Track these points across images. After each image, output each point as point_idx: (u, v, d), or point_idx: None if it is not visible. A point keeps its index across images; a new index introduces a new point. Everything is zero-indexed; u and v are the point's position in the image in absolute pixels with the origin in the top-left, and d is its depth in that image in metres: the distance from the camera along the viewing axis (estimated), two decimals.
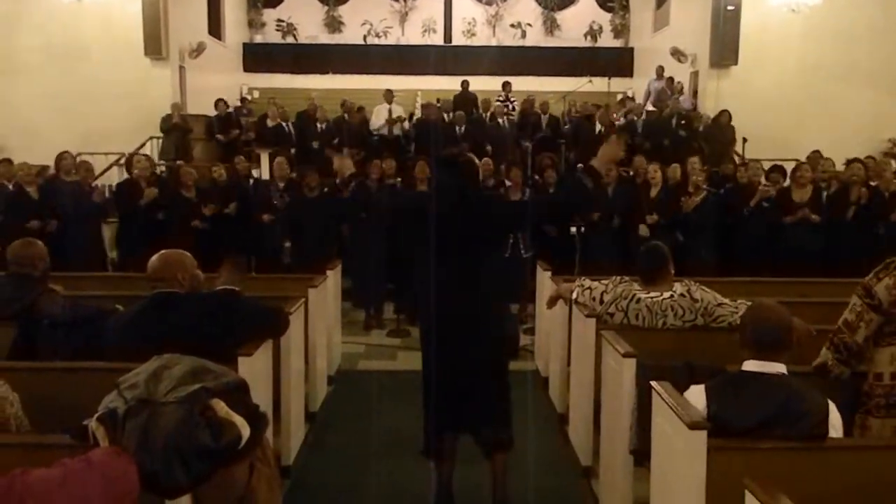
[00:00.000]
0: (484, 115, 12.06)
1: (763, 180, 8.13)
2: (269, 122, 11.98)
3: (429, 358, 3.72)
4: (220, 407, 1.94)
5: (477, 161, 3.90)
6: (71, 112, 12.15)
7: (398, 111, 12.03)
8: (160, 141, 12.19)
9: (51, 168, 8.46)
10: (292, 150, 10.98)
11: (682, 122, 11.42)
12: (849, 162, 8.08)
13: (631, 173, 8.74)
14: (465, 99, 13.00)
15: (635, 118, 11.85)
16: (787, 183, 8.11)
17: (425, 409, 3.74)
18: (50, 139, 11.11)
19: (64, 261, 6.52)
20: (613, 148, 3.84)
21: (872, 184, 7.90)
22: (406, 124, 11.94)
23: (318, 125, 11.62)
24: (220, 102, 12.62)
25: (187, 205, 7.70)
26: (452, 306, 3.60)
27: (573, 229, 7.76)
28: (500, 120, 11.58)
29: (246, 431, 1.97)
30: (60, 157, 8.18)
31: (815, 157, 9.12)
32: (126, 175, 9.85)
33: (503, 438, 3.71)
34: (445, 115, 11.87)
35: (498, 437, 3.69)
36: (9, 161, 8.32)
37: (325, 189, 7.98)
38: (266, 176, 9.58)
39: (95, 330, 3.52)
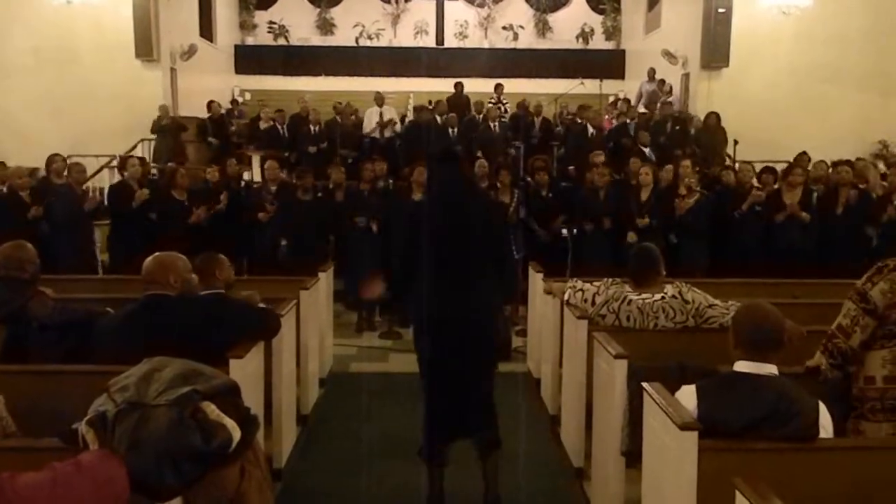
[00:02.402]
0: (477, 117, 12.05)
1: (755, 182, 8.15)
2: (262, 125, 11.96)
3: (425, 362, 3.73)
4: (211, 409, 1.94)
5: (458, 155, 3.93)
6: (62, 114, 12.11)
7: (390, 114, 12.00)
8: (153, 143, 12.16)
9: (41, 170, 8.42)
10: (286, 153, 10.99)
11: (677, 126, 11.44)
12: (835, 164, 8.12)
13: (622, 176, 8.77)
14: (459, 101, 12.98)
15: (628, 120, 11.87)
16: (776, 185, 8.14)
17: (425, 412, 3.75)
18: (41, 142, 11.06)
19: (55, 264, 6.50)
20: None
21: (861, 186, 7.94)
22: (398, 127, 11.93)
23: (312, 127, 11.61)
24: (213, 104, 12.60)
25: (179, 207, 7.67)
26: (448, 308, 3.60)
27: (564, 231, 7.78)
28: (491, 123, 11.59)
29: (237, 434, 1.97)
30: (51, 160, 8.14)
31: (803, 158, 9.16)
32: (118, 177, 9.82)
33: (496, 438, 3.74)
34: (438, 118, 11.84)
35: (493, 438, 3.72)
36: (2, 164, 8.29)
37: (319, 194, 7.99)
38: (257, 178, 9.56)
39: (85, 333, 3.52)
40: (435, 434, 3.71)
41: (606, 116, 12.39)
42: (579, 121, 11.49)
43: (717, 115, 11.28)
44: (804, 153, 9.35)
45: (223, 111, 12.91)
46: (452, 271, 3.62)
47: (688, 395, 2.66)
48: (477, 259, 3.65)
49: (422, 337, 3.77)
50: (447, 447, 3.74)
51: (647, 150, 10.22)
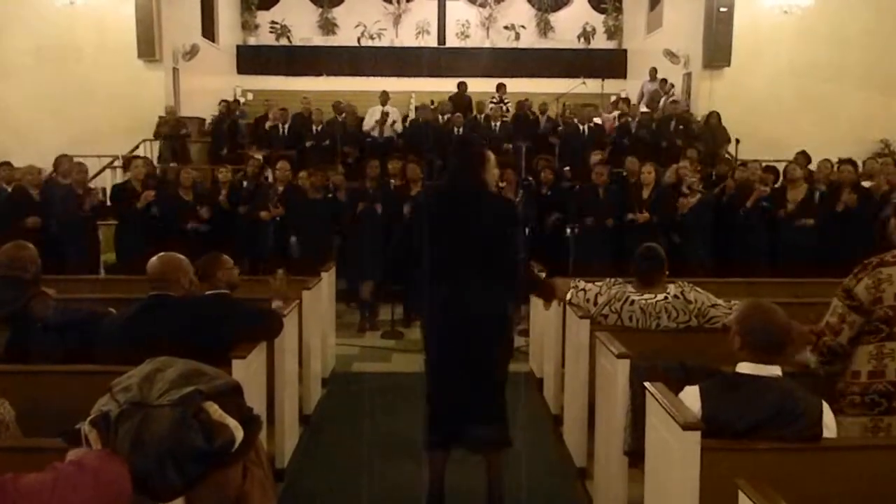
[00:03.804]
0: (478, 116, 12.04)
1: (758, 181, 8.14)
2: (268, 125, 11.97)
3: (434, 355, 3.71)
4: (214, 409, 1.94)
5: (490, 155, 3.85)
6: (64, 114, 12.13)
7: (392, 112, 11.99)
8: (154, 144, 12.17)
9: (45, 170, 8.45)
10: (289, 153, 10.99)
11: (681, 126, 11.44)
12: (841, 162, 8.12)
13: (624, 174, 8.77)
14: (461, 101, 12.97)
15: (630, 119, 11.88)
16: (777, 184, 8.16)
17: (428, 405, 3.72)
18: (43, 141, 11.10)
19: (59, 264, 6.52)
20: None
21: (866, 184, 7.94)
22: (398, 125, 11.92)
23: (314, 127, 11.61)
24: (222, 103, 12.61)
25: (185, 207, 7.70)
26: (462, 304, 3.58)
27: (567, 231, 7.79)
28: (493, 123, 11.59)
29: (239, 434, 1.96)
30: (59, 161, 8.19)
31: (801, 156, 9.19)
32: (121, 178, 9.84)
33: (503, 438, 3.72)
34: (441, 117, 11.86)
35: (500, 437, 3.70)
36: (8, 164, 8.32)
37: (330, 195, 8.02)
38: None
39: (88, 332, 3.52)
40: (439, 428, 3.69)
41: (612, 114, 12.38)
42: (574, 120, 11.50)
43: (718, 115, 11.29)
44: (802, 152, 9.36)
45: (237, 112, 12.91)
46: (463, 266, 3.59)
47: (691, 397, 2.65)
48: (488, 254, 3.60)
49: (432, 332, 3.73)
50: (451, 440, 3.71)
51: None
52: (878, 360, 2.89)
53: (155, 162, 11.15)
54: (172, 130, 11.74)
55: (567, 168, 10.19)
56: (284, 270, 4.11)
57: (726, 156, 11.06)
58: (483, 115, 11.97)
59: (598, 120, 11.88)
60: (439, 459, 3.74)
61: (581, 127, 11.25)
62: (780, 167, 8.70)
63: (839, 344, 2.95)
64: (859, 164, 8.68)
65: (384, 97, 11.90)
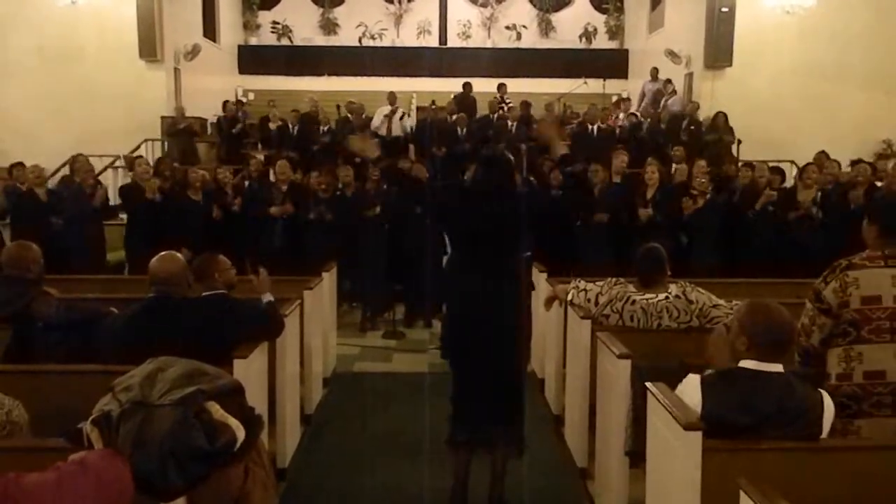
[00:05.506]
0: (492, 116, 12.07)
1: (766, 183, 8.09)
2: (272, 125, 11.97)
3: (460, 352, 3.77)
4: (216, 409, 1.94)
5: (513, 159, 3.95)
6: (65, 114, 12.14)
7: (400, 112, 12.05)
8: (160, 143, 12.19)
9: (47, 170, 8.48)
10: (292, 154, 11.00)
11: (692, 126, 11.42)
12: (853, 163, 8.07)
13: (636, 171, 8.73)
14: (466, 101, 12.98)
15: (642, 119, 11.87)
16: (789, 184, 8.11)
17: (455, 401, 3.78)
18: (44, 142, 11.12)
19: (64, 262, 6.53)
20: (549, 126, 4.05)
21: (879, 184, 7.89)
22: (406, 120, 11.95)
23: (321, 127, 11.63)
24: (227, 104, 12.63)
25: (194, 207, 7.70)
26: (489, 302, 3.65)
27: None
28: (508, 122, 11.60)
29: (241, 434, 1.97)
30: (74, 159, 8.25)
31: (821, 157, 9.11)
32: (122, 178, 9.86)
33: (519, 442, 3.78)
34: (449, 117, 11.89)
35: (515, 441, 3.75)
36: (22, 165, 8.38)
37: (338, 192, 8.04)
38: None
39: (90, 332, 3.52)
40: (465, 426, 3.73)
41: (612, 116, 12.39)
42: (584, 120, 11.51)
43: (725, 115, 11.26)
44: (822, 152, 9.30)
45: (238, 112, 12.93)
46: (489, 268, 3.70)
47: (692, 387, 2.64)
48: (511, 256, 3.75)
49: (457, 329, 3.82)
50: (476, 440, 3.74)
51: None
52: (846, 363, 2.90)
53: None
54: (185, 129, 11.76)
55: (580, 167, 10.18)
56: (266, 269, 4.12)
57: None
58: (495, 115, 11.98)
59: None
60: (463, 459, 3.77)
61: (590, 127, 11.25)
62: (782, 167, 8.68)
63: (811, 346, 2.98)
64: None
65: (392, 98, 11.98)
